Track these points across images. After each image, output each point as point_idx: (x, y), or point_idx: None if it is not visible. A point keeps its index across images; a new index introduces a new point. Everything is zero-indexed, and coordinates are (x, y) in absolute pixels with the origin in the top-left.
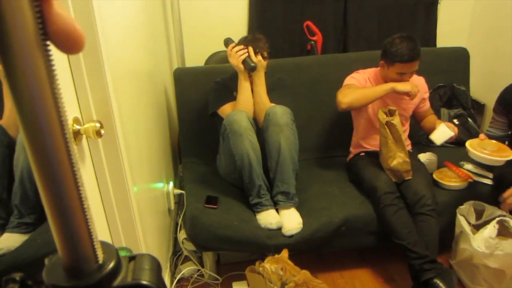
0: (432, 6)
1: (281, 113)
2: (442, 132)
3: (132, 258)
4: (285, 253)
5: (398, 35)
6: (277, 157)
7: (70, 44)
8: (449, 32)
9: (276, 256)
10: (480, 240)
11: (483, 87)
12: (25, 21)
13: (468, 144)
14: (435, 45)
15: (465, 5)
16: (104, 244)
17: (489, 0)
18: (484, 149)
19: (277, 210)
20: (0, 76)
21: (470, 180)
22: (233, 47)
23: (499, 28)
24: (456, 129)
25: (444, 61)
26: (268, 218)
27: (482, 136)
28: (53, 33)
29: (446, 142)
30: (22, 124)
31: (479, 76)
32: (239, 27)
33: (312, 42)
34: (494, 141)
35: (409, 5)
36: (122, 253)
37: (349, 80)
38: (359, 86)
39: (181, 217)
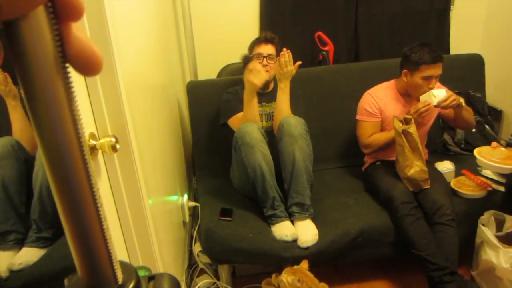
0: (444, 13)
1: (295, 124)
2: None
3: (151, 278)
4: (304, 264)
5: (415, 43)
6: (291, 168)
7: (88, 67)
8: (462, 38)
9: (295, 267)
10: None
11: (500, 93)
12: (45, 45)
13: (476, 151)
14: (448, 52)
15: (478, 11)
16: (123, 264)
17: (502, 5)
18: (492, 157)
19: (292, 222)
20: (1, 92)
21: (489, 188)
22: (253, 65)
23: None
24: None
25: (458, 68)
26: (283, 230)
27: (494, 144)
28: (72, 56)
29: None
30: (41, 147)
31: (495, 82)
32: (251, 39)
33: (324, 52)
34: (504, 149)
35: (421, 12)
36: (141, 273)
37: (364, 115)
38: (377, 122)
39: (196, 229)
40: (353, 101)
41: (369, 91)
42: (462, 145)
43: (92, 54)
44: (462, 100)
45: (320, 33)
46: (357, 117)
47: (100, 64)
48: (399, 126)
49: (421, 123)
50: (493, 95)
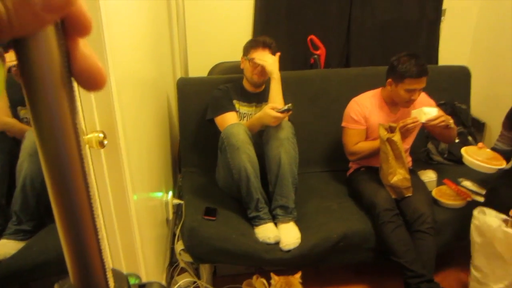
0: (435, 24)
1: (282, 127)
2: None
3: (142, 286)
4: (297, 275)
5: (404, 53)
6: (276, 170)
7: (92, 83)
8: (451, 50)
9: (290, 278)
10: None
11: (484, 106)
12: (53, 61)
13: (463, 150)
14: (437, 62)
15: (468, 23)
16: (115, 272)
17: (491, 19)
18: (478, 156)
19: (275, 224)
20: None
21: (468, 199)
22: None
23: (501, 48)
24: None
25: (446, 79)
26: (266, 232)
27: (480, 144)
28: (77, 71)
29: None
30: (43, 157)
31: (480, 95)
32: (244, 39)
33: (316, 56)
34: (489, 150)
35: (412, 22)
36: (132, 281)
37: (349, 122)
38: (362, 130)
39: (179, 227)
40: (341, 106)
41: (355, 99)
42: (445, 155)
43: (97, 71)
44: (451, 121)
45: (312, 36)
46: (343, 124)
47: (104, 81)
48: (384, 134)
49: (406, 136)
50: (478, 107)
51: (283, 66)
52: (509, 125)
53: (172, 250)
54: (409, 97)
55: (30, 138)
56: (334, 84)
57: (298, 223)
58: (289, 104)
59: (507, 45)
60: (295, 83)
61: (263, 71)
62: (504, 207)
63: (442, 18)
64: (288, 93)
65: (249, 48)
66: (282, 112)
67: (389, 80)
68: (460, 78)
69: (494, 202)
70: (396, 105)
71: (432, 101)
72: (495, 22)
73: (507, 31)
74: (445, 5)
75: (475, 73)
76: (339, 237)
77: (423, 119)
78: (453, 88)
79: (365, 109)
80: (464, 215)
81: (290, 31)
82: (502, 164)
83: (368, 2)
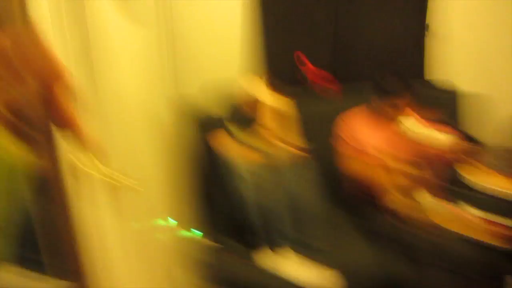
0: (421, 38)
1: None
2: None
3: None
4: None
5: (387, 70)
6: None
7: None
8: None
9: None
10: None
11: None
12: None
13: None
14: (423, 78)
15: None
16: None
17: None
18: None
19: None
20: None
21: None
22: None
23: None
24: None
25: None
26: None
27: None
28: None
29: None
30: None
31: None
32: (231, 53)
33: (302, 71)
34: None
35: (398, 41)
36: None
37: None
38: None
39: None
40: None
41: (342, 117)
42: None
43: (69, 122)
44: None
45: (299, 52)
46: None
47: (74, 129)
48: None
49: None
50: None
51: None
52: None
53: None
54: (396, 114)
55: None
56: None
57: None
58: None
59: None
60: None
61: None
62: None
63: (426, 32)
64: None
65: None
66: None
67: (374, 97)
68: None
69: None
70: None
71: None
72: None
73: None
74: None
75: None
76: None
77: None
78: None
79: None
80: None
81: (276, 47)
82: None
83: (353, 22)
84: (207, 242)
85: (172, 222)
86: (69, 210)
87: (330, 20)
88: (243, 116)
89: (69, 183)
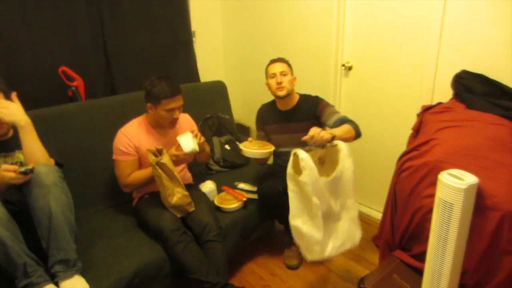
0: (188, 45)
1: (46, 172)
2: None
3: None
4: None
5: (154, 76)
6: (48, 223)
7: None
8: (209, 67)
9: None
10: None
11: (244, 112)
12: None
13: (241, 145)
14: (198, 80)
15: (216, 42)
16: None
17: (234, 34)
18: (254, 146)
19: (57, 284)
20: None
21: (244, 198)
22: None
23: (247, 59)
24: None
25: (207, 94)
26: None
27: (250, 139)
28: None
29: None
30: None
31: (239, 103)
32: None
33: (73, 88)
34: (259, 140)
35: (167, 45)
36: None
37: (119, 155)
38: (133, 161)
39: None
40: (111, 136)
41: (122, 129)
42: (221, 163)
43: None
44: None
45: (64, 68)
46: (114, 157)
47: None
48: (153, 159)
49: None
50: (239, 114)
51: (37, 104)
52: (258, 126)
53: None
54: (171, 117)
55: None
56: (100, 115)
57: (85, 273)
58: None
59: (253, 57)
60: (54, 121)
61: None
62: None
63: (194, 39)
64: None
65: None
66: (24, 173)
67: (148, 104)
68: (219, 91)
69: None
70: (164, 127)
71: (193, 123)
72: (239, 39)
73: (248, 46)
74: (193, 28)
75: (231, 85)
76: (132, 274)
77: (186, 150)
78: (214, 101)
79: (134, 139)
80: (244, 214)
81: (38, 63)
82: (272, 148)
83: (119, 31)
84: None
85: None
86: None
87: (97, 32)
88: None
89: None
